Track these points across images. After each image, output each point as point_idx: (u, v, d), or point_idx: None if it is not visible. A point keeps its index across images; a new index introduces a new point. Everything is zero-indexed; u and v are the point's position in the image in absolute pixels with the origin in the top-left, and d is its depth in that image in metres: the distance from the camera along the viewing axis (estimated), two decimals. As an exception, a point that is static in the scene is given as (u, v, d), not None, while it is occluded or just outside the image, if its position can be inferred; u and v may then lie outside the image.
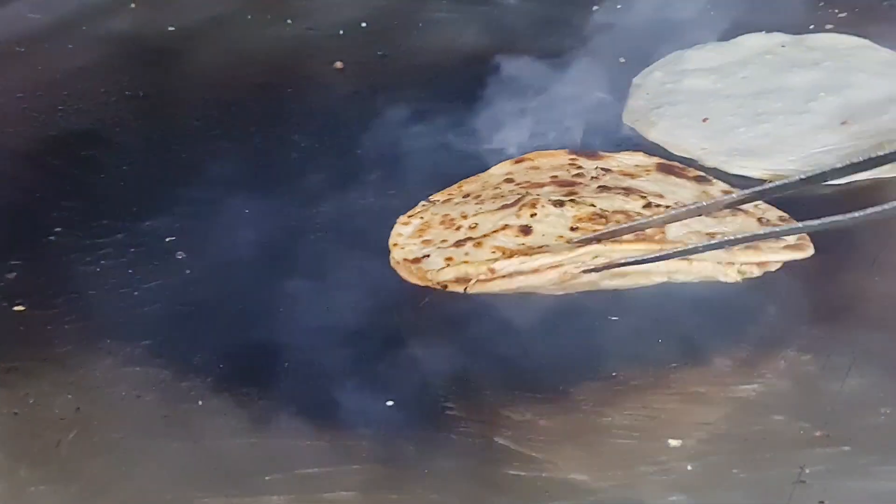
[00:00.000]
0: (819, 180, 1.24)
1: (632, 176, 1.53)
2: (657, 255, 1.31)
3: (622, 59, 1.89)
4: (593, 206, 1.42)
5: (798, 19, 1.95)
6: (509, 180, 1.54)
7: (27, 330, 1.33)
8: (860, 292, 1.31)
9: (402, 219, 1.48)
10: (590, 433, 1.14)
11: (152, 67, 1.97)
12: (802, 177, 1.24)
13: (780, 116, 1.67)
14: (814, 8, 2.00)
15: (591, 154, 1.59)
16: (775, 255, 1.34)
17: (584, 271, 1.30)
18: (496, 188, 1.52)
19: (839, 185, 1.49)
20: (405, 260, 1.38)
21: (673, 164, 1.57)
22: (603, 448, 1.12)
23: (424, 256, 1.38)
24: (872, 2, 2.03)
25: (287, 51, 2.02)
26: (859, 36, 1.88)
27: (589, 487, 1.08)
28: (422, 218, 1.47)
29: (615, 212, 1.41)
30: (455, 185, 1.56)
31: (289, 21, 2.13)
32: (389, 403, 1.19)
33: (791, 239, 1.36)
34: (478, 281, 1.32)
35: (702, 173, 1.54)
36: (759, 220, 1.41)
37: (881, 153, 1.20)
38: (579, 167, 1.55)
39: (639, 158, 1.58)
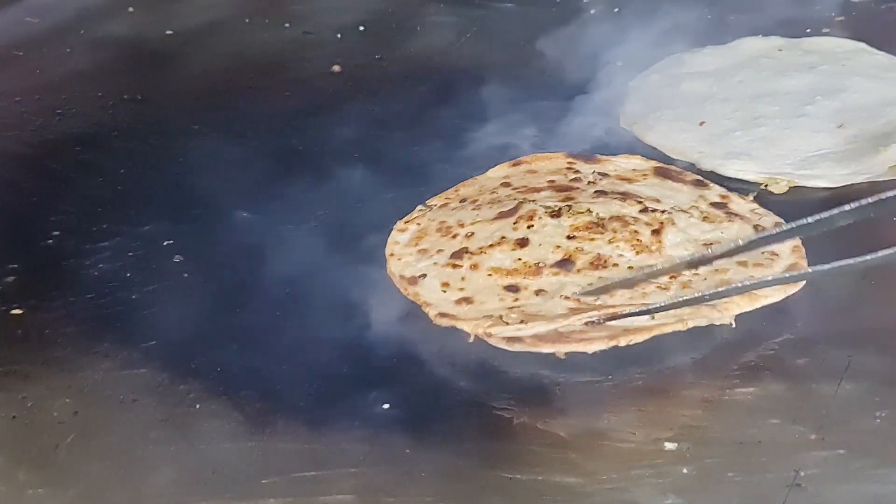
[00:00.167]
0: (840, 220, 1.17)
1: (629, 180, 1.53)
2: (658, 305, 1.29)
3: (619, 63, 1.89)
4: (590, 212, 1.42)
5: (795, 23, 1.95)
6: (506, 184, 1.54)
7: (25, 333, 1.34)
8: (855, 297, 1.31)
9: (399, 224, 1.48)
10: (585, 436, 1.15)
11: (150, 71, 1.98)
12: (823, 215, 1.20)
13: (777, 120, 1.68)
14: (810, 11, 2.00)
15: (589, 157, 1.59)
16: (771, 299, 1.30)
17: (586, 323, 1.28)
18: (493, 192, 1.52)
19: (836, 187, 1.51)
20: (401, 277, 1.38)
21: (670, 168, 1.57)
22: (598, 451, 1.12)
23: (421, 276, 1.37)
24: (869, 5, 2.04)
25: (285, 54, 2.02)
26: (856, 39, 1.88)
27: (584, 490, 1.08)
28: (418, 224, 1.47)
29: (612, 218, 1.41)
30: (452, 189, 1.56)
31: (286, 25, 2.13)
32: (385, 406, 1.19)
33: (784, 265, 1.35)
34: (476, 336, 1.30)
35: (699, 177, 1.55)
36: (756, 227, 1.41)
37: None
38: (576, 171, 1.55)
39: (636, 162, 1.58)
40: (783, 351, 1.24)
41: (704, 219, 1.43)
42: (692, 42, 1.92)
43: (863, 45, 1.87)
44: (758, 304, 1.29)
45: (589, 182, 1.52)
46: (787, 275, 1.31)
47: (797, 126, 1.65)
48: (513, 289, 1.33)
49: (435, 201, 1.53)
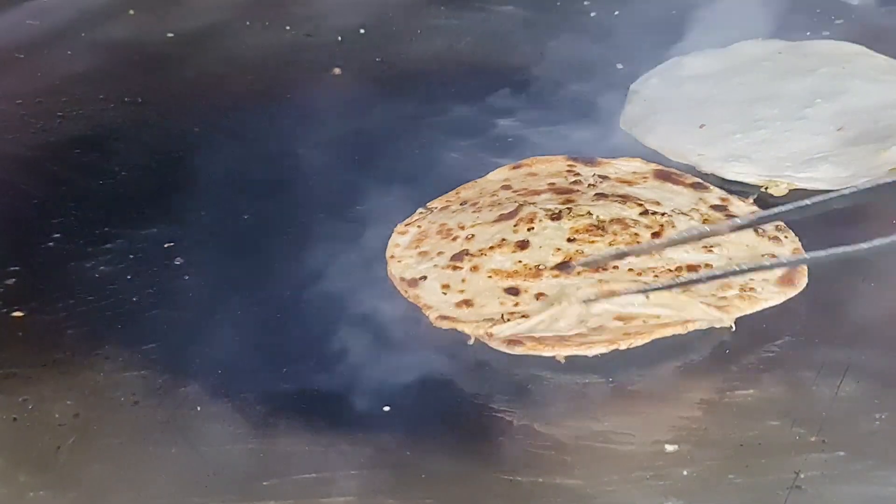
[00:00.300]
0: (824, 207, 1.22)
1: (629, 183, 1.53)
2: (656, 286, 1.30)
3: (620, 66, 1.90)
4: (590, 215, 1.42)
5: (795, 26, 1.96)
6: (507, 187, 1.54)
7: (26, 335, 1.34)
8: (855, 298, 1.32)
9: (400, 227, 1.48)
10: (585, 438, 1.15)
11: (151, 74, 1.98)
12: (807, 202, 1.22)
13: (777, 122, 1.68)
14: (810, 15, 2.01)
15: (589, 160, 1.60)
16: (771, 301, 1.31)
17: (585, 301, 1.29)
18: (493, 195, 1.52)
19: (835, 190, 1.50)
20: (402, 279, 1.38)
21: (670, 171, 1.57)
22: (598, 453, 1.13)
23: (421, 278, 1.37)
24: (869, 8, 2.04)
25: (286, 57, 2.02)
26: (855, 42, 1.88)
27: (585, 492, 1.08)
28: (419, 227, 1.48)
29: (612, 220, 1.41)
30: (453, 192, 1.56)
31: (287, 27, 2.13)
32: (386, 409, 1.19)
33: (783, 268, 1.35)
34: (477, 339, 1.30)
35: (699, 180, 1.55)
36: (756, 229, 1.42)
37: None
38: (577, 174, 1.56)
39: (636, 165, 1.59)
40: (783, 353, 1.24)
41: (704, 221, 1.44)
42: (692, 45, 1.92)
43: (862, 48, 1.87)
44: (758, 307, 1.29)
45: (589, 185, 1.52)
46: (785, 259, 1.32)
47: (797, 129, 1.66)
48: (513, 291, 1.33)
49: (435, 204, 1.53)
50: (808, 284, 1.33)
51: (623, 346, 1.24)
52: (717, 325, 1.27)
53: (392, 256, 1.43)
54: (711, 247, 1.38)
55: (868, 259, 1.36)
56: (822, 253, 1.18)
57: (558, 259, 1.36)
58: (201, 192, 1.57)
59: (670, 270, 1.34)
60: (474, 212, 1.48)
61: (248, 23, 2.16)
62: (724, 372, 1.22)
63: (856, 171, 1.54)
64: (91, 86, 1.92)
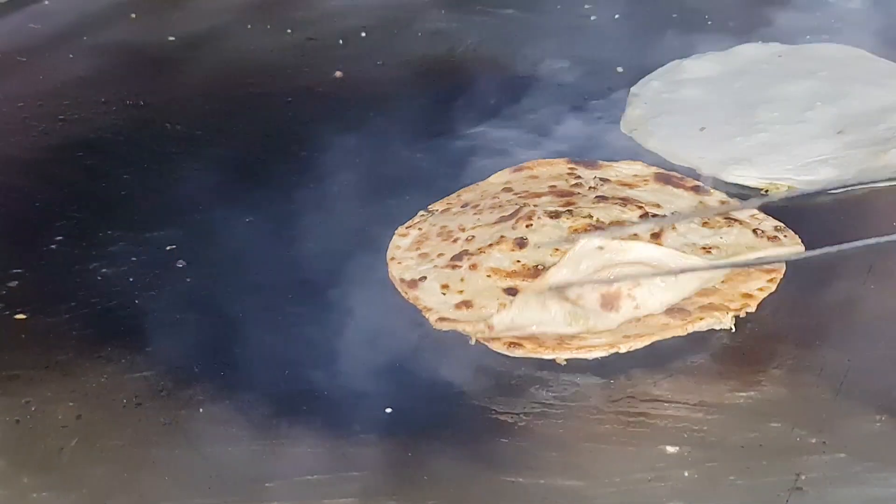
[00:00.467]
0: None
1: (630, 186, 1.53)
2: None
3: (620, 69, 1.90)
4: (590, 216, 1.42)
5: (795, 29, 1.96)
6: (508, 189, 1.55)
7: (29, 338, 1.34)
8: (855, 300, 1.32)
9: (401, 230, 1.48)
10: (587, 440, 1.15)
11: (152, 77, 1.98)
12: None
13: (777, 126, 1.68)
14: (811, 18, 2.01)
15: (590, 163, 1.60)
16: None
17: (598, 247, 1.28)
18: (495, 197, 1.53)
19: (836, 193, 1.51)
20: (402, 281, 1.38)
21: (671, 174, 1.57)
22: (600, 455, 1.13)
23: (421, 279, 1.38)
24: (868, 12, 2.04)
25: (287, 60, 2.03)
26: (855, 46, 1.89)
27: (586, 494, 1.08)
28: (420, 229, 1.48)
29: (612, 223, 1.42)
30: (454, 194, 1.57)
31: (289, 31, 2.14)
32: (388, 410, 1.19)
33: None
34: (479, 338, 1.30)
35: (699, 183, 1.55)
36: (755, 230, 1.42)
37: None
38: (578, 177, 1.56)
39: (637, 168, 1.59)
40: (783, 355, 1.24)
41: (704, 224, 1.44)
42: (692, 48, 1.93)
43: (862, 52, 1.87)
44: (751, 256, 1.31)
45: (590, 187, 1.53)
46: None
47: (797, 132, 1.66)
48: (512, 292, 1.33)
49: (436, 206, 1.54)
50: (807, 286, 1.33)
51: (623, 350, 1.24)
52: (717, 327, 1.27)
53: (393, 258, 1.43)
54: (710, 248, 1.38)
55: (869, 260, 1.37)
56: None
57: (557, 258, 1.37)
58: (203, 194, 1.58)
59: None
60: (475, 214, 1.49)
61: (249, 26, 2.17)
62: (724, 374, 1.22)
63: (856, 173, 1.55)
64: (93, 89, 1.93)
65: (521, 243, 1.39)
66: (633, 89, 1.84)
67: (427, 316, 1.32)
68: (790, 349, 1.25)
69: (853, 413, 1.16)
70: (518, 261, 1.37)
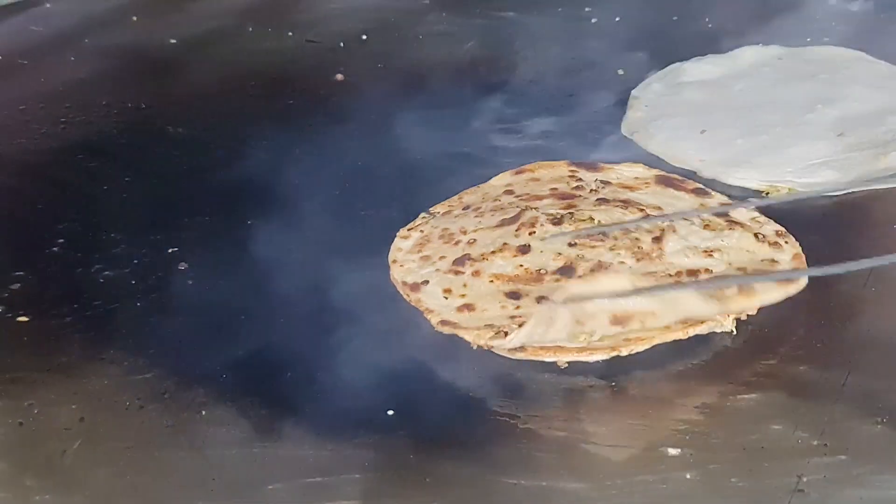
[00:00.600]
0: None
1: (631, 188, 1.54)
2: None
3: (621, 71, 1.91)
4: (592, 220, 1.43)
5: (795, 32, 1.96)
6: (509, 192, 1.55)
7: (31, 340, 1.34)
8: (856, 303, 1.32)
9: (402, 232, 1.48)
10: (589, 442, 1.15)
11: (153, 79, 1.98)
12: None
13: (778, 128, 1.68)
14: (811, 20, 2.01)
15: (591, 166, 1.60)
16: (770, 298, 1.29)
17: (565, 301, 1.26)
18: (496, 200, 1.53)
19: (837, 196, 1.52)
20: (404, 283, 1.39)
21: (672, 177, 1.58)
22: (601, 457, 1.13)
23: (423, 283, 1.38)
24: (869, 14, 2.04)
25: (288, 63, 2.03)
26: (855, 48, 1.89)
27: (588, 496, 1.08)
28: (421, 231, 1.48)
29: (613, 225, 1.42)
30: (455, 196, 1.57)
31: (290, 33, 2.14)
32: (389, 413, 1.19)
33: (784, 265, 1.36)
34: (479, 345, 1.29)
35: (700, 185, 1.55)
36: (756, 235, 1.42)
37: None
38: (579, 179, 1.56)
39: (638, 170, 1.59)
40: (785, 357, 1.25)
41: (705, 226, 1.44)
42: (693, 51, 1.93)
43: (862, 54, 1.87)
44: (757, 302, 1.29)
45: (591, 190, 1.53)
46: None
47: (798, 134, 1.66)
48: (514, 296, 1.33)
49: (438, 209, 1.54)
50: (809, 288, 1.33)
51: (624, 353, 1.24)
52: (718, 330, 1.27)
53: (394, 261, 1.43)
54: (712, 251, 1.39)
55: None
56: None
57: (560, 264, 1.37)
58: (205, 197, 1.58)
59: (670, 275, 1.35)
60: (476, 216, 1.49)
61: (250, 29, 2.17)
62: (725, 376, 1.22)
63: (856, 176, 1.55)
64: (94, 91, 1.93)
65: (524, 250, 1.39)
66: (633, 92, 1.84)
67: (429, 318, 1.32)
68: (791, 351, 1.25)
69: (855, 415, 1.16)
70: (521, 265, 1.37)
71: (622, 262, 1.37)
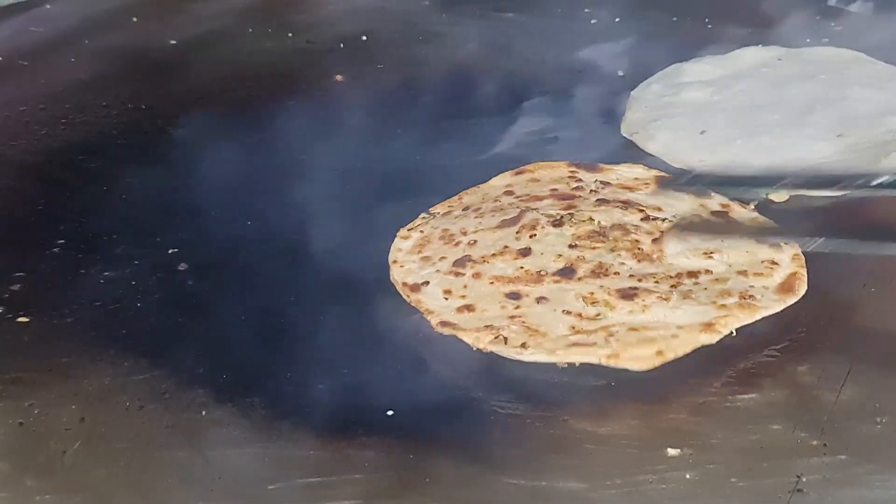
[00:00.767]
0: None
1: (630, 189, 1.54)
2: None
3: (620, 72, 1.91)
4: (592, 220, 1.43)
5: (794, 33, 1.97)
6: (509, 192, 1.55)
7: (31, 341, 1.34)
8: (856, 303, 1.33)
9: (402, 232, 1.49)
10: (588, 442, 1.15)
11: (153, 81, 1.99)
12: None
13: (777, 129, 1.69)
14: (810, 21, 2.01)
15: (591, 166, 1.60)
16: (771, 310, 1.31)
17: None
18: (496, 200, 1.53)
19: (836, 196, 1.51)
20: (404, 284, 1.39)
21: (672, 177, 1.58)
22: (601, 457, 1.13)
23: (423, 283, 1.38)
24: (868, 15, 2.05)
25: (288, 64, 2.03)
26: (855, 49, 1.89)
27: (588, 496, 1.08)
28: (421, 231, 1.48)
29: (613, 226, 1.42)
30: (455, 197, 1.57)
31: (290, 35, 2.14)
32: (389, 413, 1.20)
33: (784, 273, 1.36)
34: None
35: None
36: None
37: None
38: (579, 180, 1.56)
39: (638, 171, 1.59)
40: (784, 357, 1.25)
41: (705, 227, 1.44)
42: (693, 52, 1.93)
43: (862, 55, 1.88)
44: (757, 316, 1.30)
45: (591, 191, 1.53)
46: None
47: (797, 135, 1.66)
48: (514, 296, 1.34)
49: (438, 209, 1.54)
50: (809, 289, 1.34)
51: (625, 357, 1.24)
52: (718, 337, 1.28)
53: (395, 261, 1.43)
54: (711, 253, 1.39)
55: (870, 264, 1.37)
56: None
57: (560, 265, 1.37)
58: (205, 198, 1.58)
59: (670, 277, 1.35)
60: (476, 217, 1.49)
61: (250, 30, 2.17)
62: (726, 376, 1.23)
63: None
64: (94, 92, 1.93)
65: (525, 253, 1.39)
66: (633, 93, 1.84)
67: (428, 319, 1.32)
68: (792, 351, 1.26)
69: (854, 415, 1.16)
70: (521, 267, 1.37)
71: (622, 264, 1.37)
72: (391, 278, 1.41)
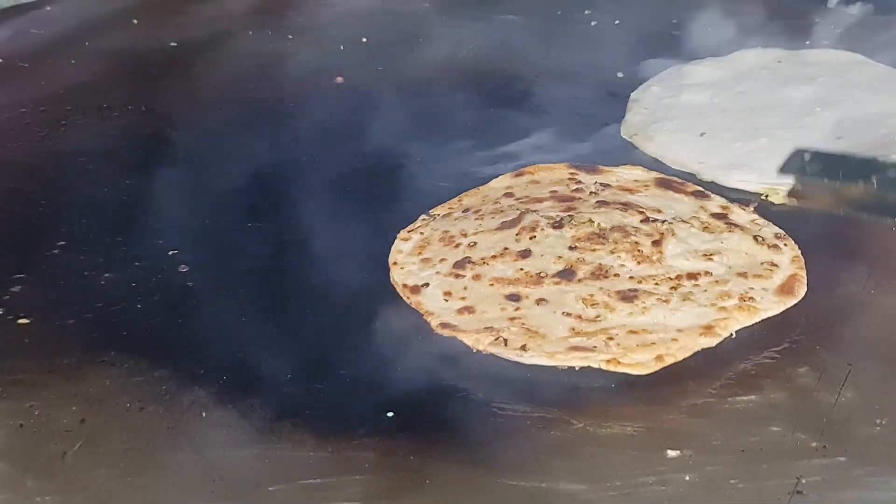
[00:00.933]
0: None
1: (630, 191, 1.54)
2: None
3: (620, 74, 1.91)
4: (592, 222, 1.43)
5: (794, 35, 1.97)
6: (509, 194, 1.55)
7: (32, 342, 1.34)
8: (855, 305, 1.33)
9: (403, 234, 1.49)
10: (588, 444, 1.15)
11: (154, 82, 1.99)
12: None
13: (777, 131, 1.69)
14: (810, 24, 2.02)
15: (591, 168, 1.61)
16: (770, 312, 1.31)
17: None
18: (496, 202, 1.53)
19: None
20: (404, 286, 1.39)
21: (671, 179, 1.58)
22: (601, 458, 1.13)
23: (423, 285, 1.38)
24: (867, 17, 2.05)
25: (288, 66, 2.03)
26: (854, 52, 1.89)
27: (588, 497, 1.09)
28: (422, 233, 1.49)
29: (613, 228, 1.42)
30: (455, 199, 1.57)
31: (290, 37, 2.14)
32: (390, 414, 1.20)
33: (784, 275, 1.37)
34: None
35: (700, 188, 1.56)
36: (756, 237, 1.43)
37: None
38: (579, 182, 1.57)
39: (638, 173, 1.59)
40: (784, 359, 1.25)
41: (705, 229, 1.44)
42: (692, 54, 1.93)
43: (861, 57, 1.88)
44: (757, 318, 1.30)
45: (591, 192, 1.53)
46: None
47: (797, 137, 1.66)
48: (514, 298, 1.34)
49: (438, 211, 1.54)
50: (808, 291, 1.34)
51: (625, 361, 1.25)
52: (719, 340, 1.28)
53: (395, 263, 1.44)
54: (711, 254, 1.39)
55: (869, 265, 1.38)
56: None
57: (560, 267, 1.37)
58: (206, 199, 1.58)
59: (670, 278, 1.35)
60: (477, 219, 1.49)
61: (250, 32, 2.17)
62: (725, 378, 1.23)
63: (855, 178, 1.55)
64: (95, 94, 1.93)
65: (525, 254, 1.40)
66: (633, 94, 1.85)
67: (428, 320, 1.32)
68: (791, 353, 1.26)
69: (853, 417, 1.16)
70: (521, 269, 1.38)
71: (622, 266, 1.37)
72: (391, 280, 1.41)
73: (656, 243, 1.41)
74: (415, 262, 1.43)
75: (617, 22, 2.10)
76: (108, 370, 1.29)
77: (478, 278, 1.38)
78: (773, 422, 1.16)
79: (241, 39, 2.14)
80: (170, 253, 1.49)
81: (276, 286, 1.41)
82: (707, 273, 1.36)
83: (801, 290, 1.34)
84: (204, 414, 1.21)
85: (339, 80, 1.97)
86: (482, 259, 1.40)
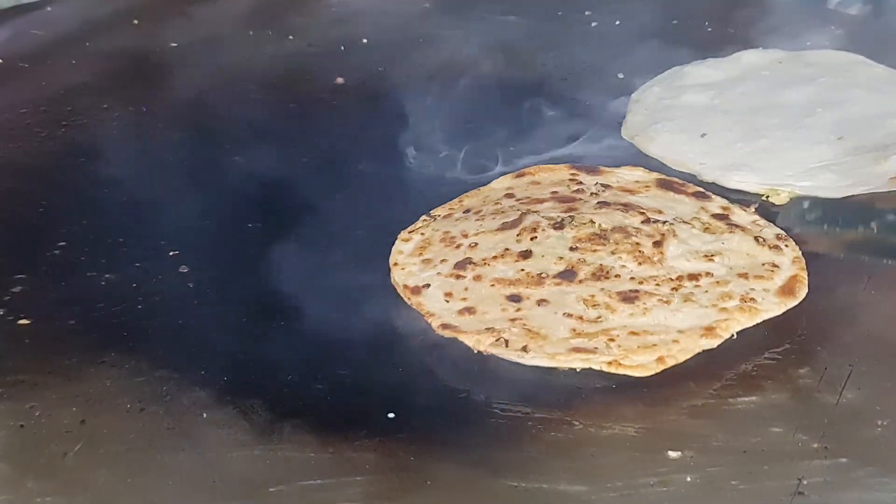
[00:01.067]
0: None
1: (631, 192, 1.54)
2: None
3: (621, 75, 1.91)
4: (592, 223, 1.43)
5: (795, 36, 1.97)
6: (510, 195, 1.55)
7: (32, 343, 1.34)
8: (856, 306, 1.33)
9: (403, 234, 1.49)
10: (589, 445, 1.15)
11: (154, 83, 1.98)
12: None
13: (778, 132, 1.69)
14: (810, 24, 2.02)
15: (592, 169, 1.61)
16: (771, 313, 1.31)
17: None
18: (497, 203, 1.53)
19: (836, 198, 1.52)
20: (405, 287, 1.39)
21: (672, 180, 1.58)
22: (602, 459, 1.13)
23: (424, 286, 1.38)
24: (868, 18, 2.05)
25: (288, 67, 2.03)
26: (855, 52, 1.89)
27: (589, 499, 1.08)
28: (422, 234, 1.48)
29: (614, 229, 1.42)
30: (456, 199, 1.57)
31: (290, 37, 2.14)
32: (391, 415, 1.20)
33: (785, 276, 1.37)
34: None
35: (701, 189, 1.56)
36: (757, 238, 1.43)
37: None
38: (579, 182, 1.57)
39: (639, 174, 1.59)
40: (785, 360, 1.25)
41: (706, 230, 1.44)
42: (693, 54, 1.93)
43: (862, 58, 1.88)
44: (758, 319, 1.30)
45: (592, 193, 1.53)
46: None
47: (797, 138, 1.67)
48: (515, 298, 1.34)
49: (439, 212, 1.54)
50: (809, 292, 1.34)
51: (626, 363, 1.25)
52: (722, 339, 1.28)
53: (396, 264, 1.43)
54: (712, 255, 1.39)
55: (869, 267, 1.38)
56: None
57: (560, 267, 1.37)
58: (206, 200, 1.58)
59: (671, 279, 1.35)
60: (477, 220, 1.49)
61: (251, 33, 2.17)
62: (726, 379, 1.23)
63: (856, 180, 1.55)
64: (95, 95, 1.93)
65: (526, 255, 1.40)
66: (633, 95, 1.85)
67: (429, 321, 1.32)
68: (792, 354, 1.26)
69: (855, 418, 1.16)
70: (522, 269, 1.38)
71: (623, 266, 1.37)
72: (392, 280, 1.41)
73: (657, 244, 1.41)
74: (416, 262, 1.43)
75: (617, 22, 2.10)
76: (108, 371, 1.28)
77: (479, 279, 1.38)
78: (775, 423, 1.16)
79: (242, 40, 2.14)
80: (170, 254, 1.49)
81: (276, 286, 1.40)
82: (708, 274, 1.36)
83: (803, 291, 1.34)
84: (204, 414, 1.21)
85: (339, 80, 1.97)
86: (483, 260, 1.40)
